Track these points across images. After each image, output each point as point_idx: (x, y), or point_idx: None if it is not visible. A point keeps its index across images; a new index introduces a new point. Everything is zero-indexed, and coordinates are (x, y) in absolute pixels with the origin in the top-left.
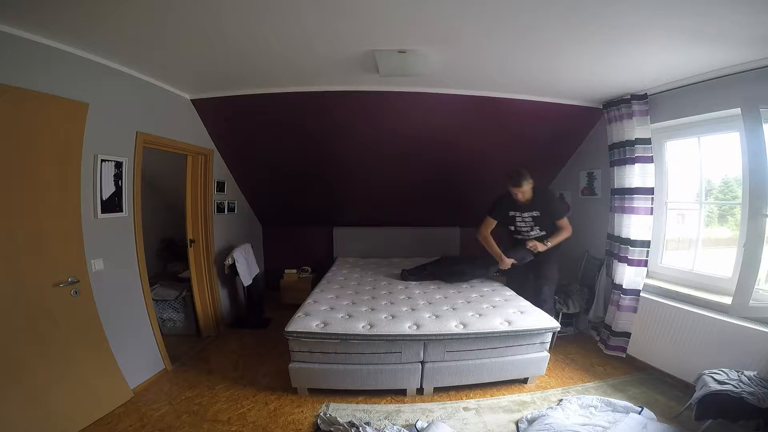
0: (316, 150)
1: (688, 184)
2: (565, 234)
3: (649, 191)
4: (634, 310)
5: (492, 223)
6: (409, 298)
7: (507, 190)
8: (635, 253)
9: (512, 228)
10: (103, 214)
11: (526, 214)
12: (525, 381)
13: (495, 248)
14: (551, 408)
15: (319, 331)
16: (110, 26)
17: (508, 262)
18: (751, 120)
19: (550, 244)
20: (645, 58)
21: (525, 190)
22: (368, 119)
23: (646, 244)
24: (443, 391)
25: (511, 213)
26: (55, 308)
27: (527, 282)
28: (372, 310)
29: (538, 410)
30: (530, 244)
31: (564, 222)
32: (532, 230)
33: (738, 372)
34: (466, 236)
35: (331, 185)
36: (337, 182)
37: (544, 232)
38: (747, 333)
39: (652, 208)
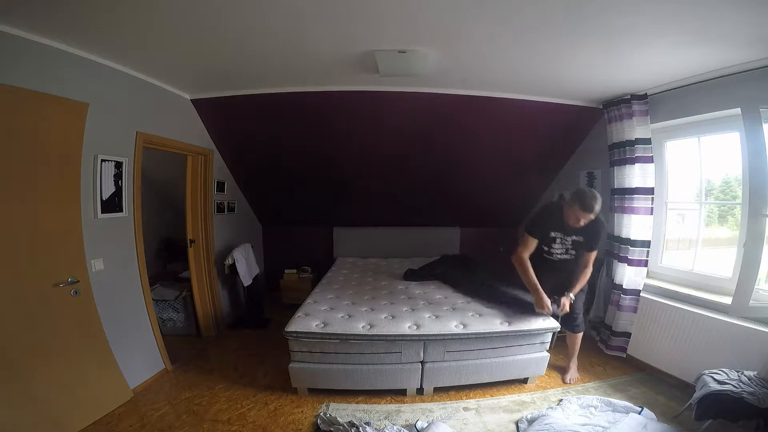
0: (316, 150)
1: (688, 184)
2: (586, 277)
3: (649, 191)
4: (634, 310)
5: (533, 244)
6: (409, 298)
7: (559, 206)
8: (635, 253)
9: (544, 248)
10: (103, 214)
11: (569, 238)
12: (525, 381)
13: (534, 280)
14: (551, 408)
15: (319, 331)
16: (110, 26)
17: (548, 304)
18: (751, 120)
19: (573, 297)
20: (645, 58)
21: (591, 219)
22: (368, 119)
23: (646, 244)
24: (443, 391)
25: (553, 234)
26: (55, 308)
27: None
28: (372, 310)
29: (538, 410)
30: (563, 305)
31: (593, 257)
32: (566, 253)
33: (738, 372)
34: (466, 236)
35: (330, 185)
36: (337, 182)
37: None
38: (747, 333)
39: (652, 208)
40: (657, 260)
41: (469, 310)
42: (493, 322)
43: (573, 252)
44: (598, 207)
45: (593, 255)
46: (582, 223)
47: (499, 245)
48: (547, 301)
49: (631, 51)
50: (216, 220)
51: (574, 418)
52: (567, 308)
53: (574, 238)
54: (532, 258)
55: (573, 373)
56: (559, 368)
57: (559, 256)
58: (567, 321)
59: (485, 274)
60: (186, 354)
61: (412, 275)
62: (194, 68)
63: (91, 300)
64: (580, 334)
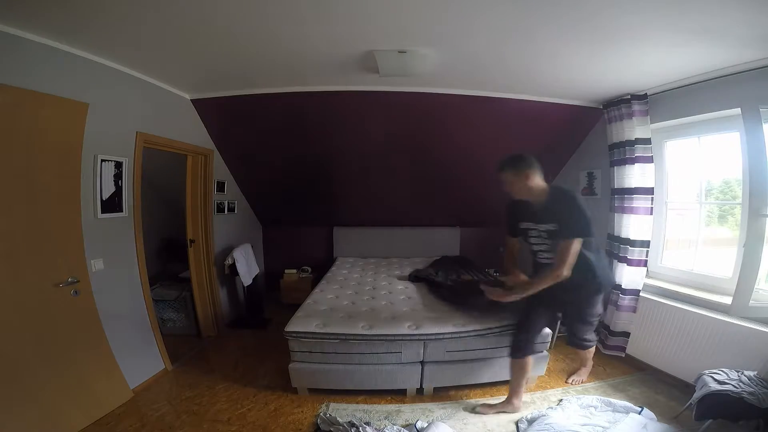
0: (316, 150)
1: (688, 184)
2: (554, 275)
3: (649, 191)
4: (634, 309)
5: (512, 243)
6: (409, 298)
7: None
8: (635, 253)
9: (532, 247)
10: (103, 214)
11: (541, 227)
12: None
13: (509, 261)
14: (551, 408)
15: (318, 331)
16: (110, 26)
17: (519, 277)
18: (751, 120)
19: (524, 277)
20: (645, 58)
21: (511, 182)
22: (368, 119)
23: (645, 244)
24: (443, 391)
25: (523, 225)
26: (55, 308)
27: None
28: (372, 310)
29: (538, 410)
30: (490, 293)
31: (570, 246)
32: (550, 250)
33: (738, 372)
34: (466, 236)
35: (331, 185)
36: (337, 182)
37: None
38: (747, 333)
39: (652, 208)
40: (657, 260)
41: (468, 310)
42: (492, 321)
43: (551, 245)
44: (507, 165)
45: (570, 246)
46: (511, 188)
47: (499, 245)
48: (520, 277)
49: (631, 50)
50: (216, 220)
51: (574, 418)
52: (516, 280)
53: (547, 227)
54: (533, 267)
55: (580, 375)
56: (559, 368)
57: (546, 256)
58: (570, 336)
59: (484, 276)
60: (186, 354)
61: (415, 278)
62: (194, 68)
63: (91, 300)
64: (585, 352)
